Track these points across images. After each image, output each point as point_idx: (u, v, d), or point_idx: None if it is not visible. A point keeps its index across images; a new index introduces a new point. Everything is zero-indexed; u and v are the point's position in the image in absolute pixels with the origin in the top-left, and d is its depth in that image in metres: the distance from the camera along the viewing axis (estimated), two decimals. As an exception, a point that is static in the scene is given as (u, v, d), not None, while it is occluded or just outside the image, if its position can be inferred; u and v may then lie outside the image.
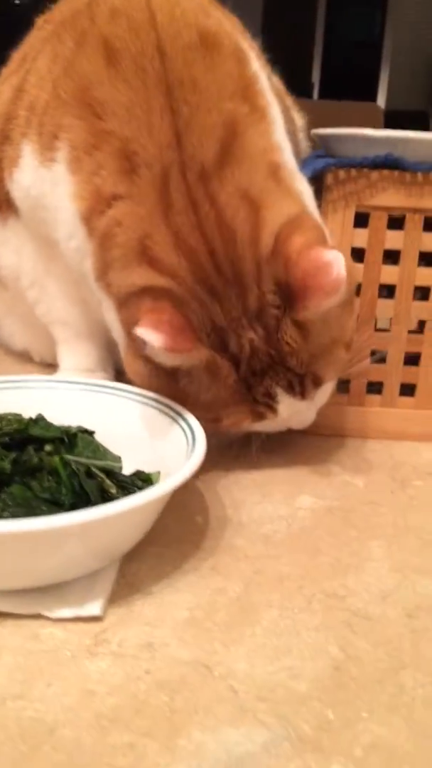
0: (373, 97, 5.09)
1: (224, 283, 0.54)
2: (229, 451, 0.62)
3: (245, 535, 0.52)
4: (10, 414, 0.56)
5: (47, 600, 0.43)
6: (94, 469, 0.49)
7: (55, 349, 0.77)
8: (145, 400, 0.58)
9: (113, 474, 0.50)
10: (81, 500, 0.46)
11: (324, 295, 0.52)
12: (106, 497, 0.48)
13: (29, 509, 0.44)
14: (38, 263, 0.72)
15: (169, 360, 0.53)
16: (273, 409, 0.57)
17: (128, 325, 0.56)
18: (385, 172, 0.62)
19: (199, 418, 0.54)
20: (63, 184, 0.60)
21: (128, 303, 0.56)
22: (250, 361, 0.54)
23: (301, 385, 0.56)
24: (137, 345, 0.54)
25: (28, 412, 0.56)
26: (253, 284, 0.54)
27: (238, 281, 0.54)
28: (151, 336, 0.51)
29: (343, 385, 0.69)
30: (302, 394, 0.57)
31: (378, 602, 0.45)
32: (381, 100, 5.11)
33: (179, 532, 0.51)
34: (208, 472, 0.61)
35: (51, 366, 0.83)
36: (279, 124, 0.61)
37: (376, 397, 0.70)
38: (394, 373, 0.69)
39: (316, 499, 0.58)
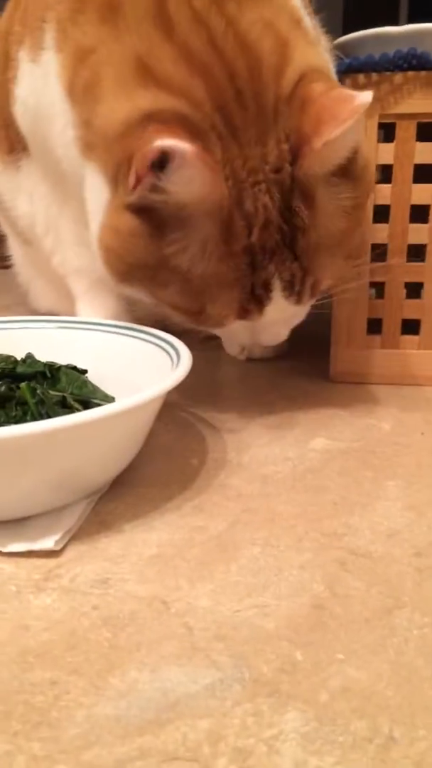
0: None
1: (245, 117, 0.46)
2: (242, 391, 0.57)
3: (242, 476, 0.46)
4: (1, 354, 0.52)
5: (3, 533, 0.38)
6: (70, 400, 0.45)
7: (74, 307, 0.75)
8: (132, 333, 0.53)
9: (86, 402, 0.46)
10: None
11: (339, 122, 0.44)
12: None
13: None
14: (51, 206, 0.69)
15: (184, 187, 0.44)
16: (261, 307, 0.49)
17: (117, 165, 0.47)
18: (410, 73, 0.55)
19: (177, 309, 0.48)
20: (51, 67, 0.54)
21: (124, 138, 0.46)
22: (262, 232, 0.46)
23: (301, 284, 0.49)
24: (126, 189, 0.46)
25: (21, 353, 0.53)
26: (273, 125, 0.46)
27: (260, 117, 0.46)
28: (177, 144, 0.41)
29: (375, 325, 0.62)
30: (299, 297, 0.50)
31: (383, 540, 0.39)
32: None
33: (168, 474, 0.46)
34: (215, 414, 0.56)
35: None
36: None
37: (411, 338, 0.62)
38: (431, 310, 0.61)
39: (332, 441, 0.51)
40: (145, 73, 0.46)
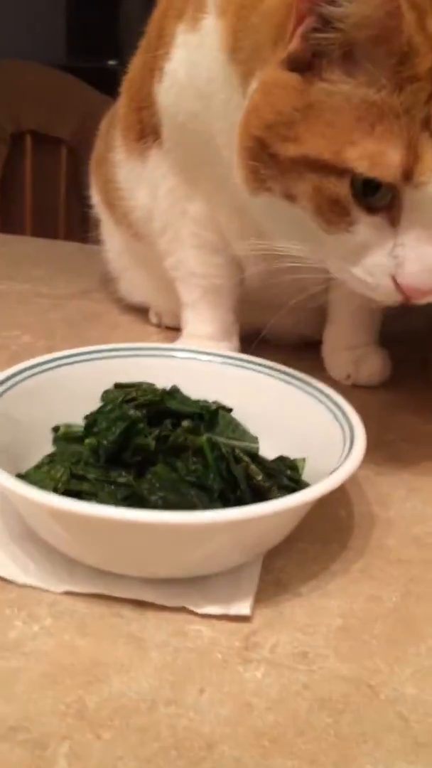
0: None
1: None
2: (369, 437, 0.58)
3: (395, 536, 0.48)
4: (144, 383, 0.53)
5: (192, 593, 0.40)
6: (238, 452, 0.46)
7: (180, 312, 0.74)
8: (285, 377, 0.54)
9: (257, 458, 0.46)
10: (228, 485, 0.43)
11: None
12: (251, 484, 0.44)
13: (178, 494, 0.41)
14: (176, 203, 0.68)
15: (358, 8, 0.41)
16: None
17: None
18: None
19: (309, 156, 0.44)
20: (212, 34, 0.53)
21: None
22: None
23: None
24: (284, 43, 0.45)
25: (161, 382, 0.53)
26: None
27: None
28: None
29: None
30: None
31: None
32: None
33: (323, 528, 0.47)
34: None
35: (168, 329, 0.80)
36: None
37: None
38: None
39: (470, 499, 0.53)
40: None
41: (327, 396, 0.50)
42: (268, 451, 0.50)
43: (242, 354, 0.58)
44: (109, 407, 0.46)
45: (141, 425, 0.44)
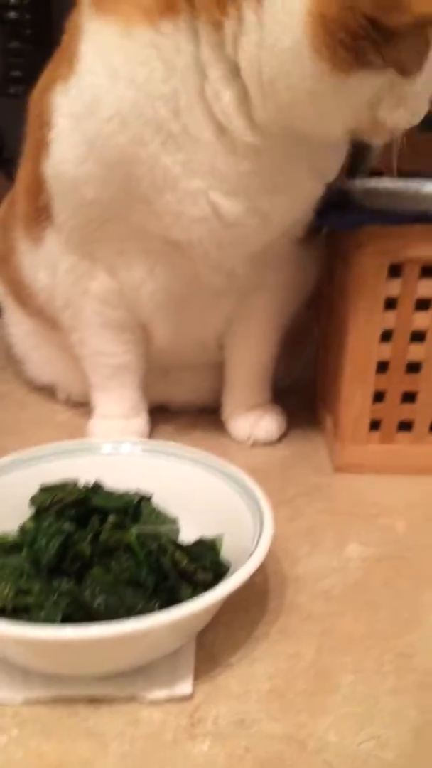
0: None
1: None
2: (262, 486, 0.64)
3: (305, 592, 0.55)
4: (68, 483, 0.57)
5: (139, 681, 0.45)
6: (164, 542, 0.51)
7: (89, 392, 0.79)
8: (197, 461, 0.60)
9: (180, 545, 0.52)
10: (159, 577, 0.49)
11: None
12: (178, 569, 0.50)
13: (116, 596, 0.46)
14: (77, 283, 0.71)
15: None
16: None
17: None
18: (418, 226, 0.64)
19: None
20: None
21: None
22: None
23: None
24: None
25: (87, 477, 0.58)
26: None
27: None
28: None
29: (375, 425, 0.72)
30: None
31: (443, 659, 0.49)
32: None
33: (243, 596, 0.53)
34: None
35: (76, 405, 0.85)
36: None
37: (405, 434, 0.73)
38: (423, 412, 0.72)
39: (363, 546, 0.61)
40: None
41: (233, 476, 0.57)
42: (188, 529, 0.56)
43: (159, 441, 0.63)
44: (46, 523, 0.50)
45: (76, 536, 0.49)
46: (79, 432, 0.78)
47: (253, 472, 0.71)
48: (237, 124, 0.57)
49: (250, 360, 0.79)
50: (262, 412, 0.79)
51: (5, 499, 0.55)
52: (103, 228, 0.66)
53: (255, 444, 0.78)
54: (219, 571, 0.51)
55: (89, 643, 0.41)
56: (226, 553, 0.53)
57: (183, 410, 0.83)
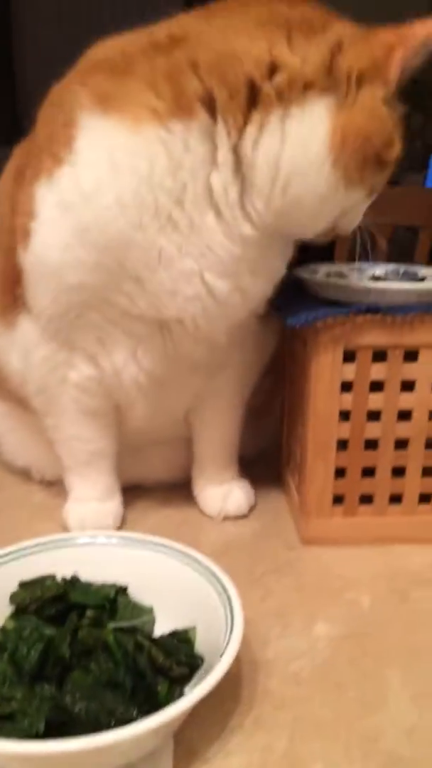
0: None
1: None
2: (233, 563, 0.67)
3: (277, 676, 0.58)
4: (46, 579, 0.60)
5: (121, 783, 0.47)
6: (139, 639, 0.54)
7: (63, 475, 0.81)
8: (170, 552, 0.62)
9: (156, 641, 0.55)
10: (137, 676, 0.51)
11: None
12: (154, 666, 0.53)
13: (96, 701, 0.48)
14: (54, 371, 0.72)
15: None
16: None
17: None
18: (369, 316, 0.69)
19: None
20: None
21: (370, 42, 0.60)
22: None
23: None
24: (381, 82, 0.60)
25: (64, 571, 0.61)
26: None
27: None
28: None
29: (338, 499, 0.76)
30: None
31: (405, 742, 0.52)
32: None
33: (217, 686, 0.56)
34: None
35: (51, 484, 0.87)
36: None
37: (367, 507, 0.76)
38: (382, 486, 0.76)
39: (330, 625, 0.64)
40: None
41: (205, 567, 0.60)
42: (163, 620, 0.59)
43: (135, 533, 0.65)
44: (26, 629, 0.53)
45: (56, 641, 0.52)
46: (55, 513, 0.80)
47: (225, 548, 0.75)
48: (236, 215, 0.62)
49: (218, 436, 0.82)
50: (232, 487, 0.82)
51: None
52: (85, 315, 0.67)
53: (226, 518, 0.81)
54: (193, 665, 0.54)
55: (73, 754, 0.43)
56: (201, 643, 0.56)
57: (157, 485, 0.85)
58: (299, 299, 0.73)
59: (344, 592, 0.69)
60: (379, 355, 0.71)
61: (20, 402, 0.80)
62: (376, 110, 0.60)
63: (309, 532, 0.76)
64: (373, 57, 0.59)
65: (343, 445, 0.74)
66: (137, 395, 0.73)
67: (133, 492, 0.84)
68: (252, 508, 0.83)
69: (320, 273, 0.77)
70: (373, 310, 0.68)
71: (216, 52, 0.58)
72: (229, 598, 0.56)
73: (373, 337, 0.70)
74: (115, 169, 0.59)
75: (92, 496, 0.78)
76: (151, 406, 0.75)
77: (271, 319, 0.76)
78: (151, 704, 0.50)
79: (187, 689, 0.53)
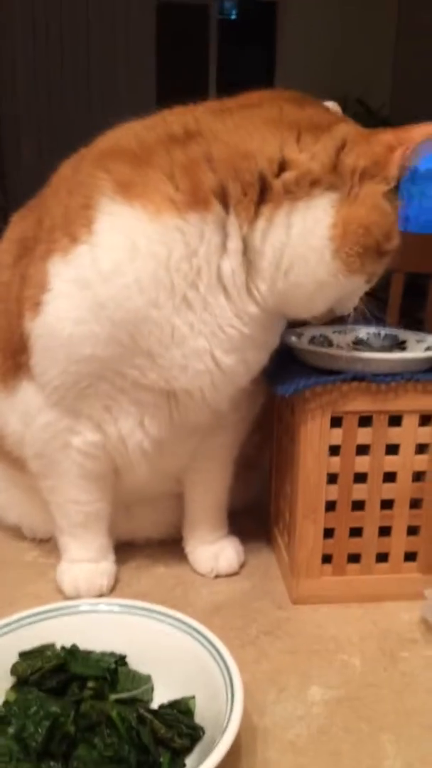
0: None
1: None
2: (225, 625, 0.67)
3: (275, 745, 0.59)
4: (46, 648, 0.61)
5: None
6: (142, 712, 0.55)
7: (56, 536, 0.82)
8: (169, 620, 0.64)
9: (158, 713, 0.56)
10: (140, 750, 0.52)
11: None
12: (156, 738, 0.54)
13: (104, 778, 0.49)
14: (56, 438, 0.72)
15: None
16: None
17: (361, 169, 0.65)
18: (354, 383, 0.72)
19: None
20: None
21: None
22: None
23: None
24: (382, 178, 0.65)
25: (64, 639, 0.62)
26: None
27: None
28: None
29: (326, 558, 0.78)
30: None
31: (402, 810, 0.53)
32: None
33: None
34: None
35: (43, 542, 0.88)
36: None
37: (355, 566, 0.79)
38: (370, 545, 0.78)
39: (324, 689, 0.65)
40: None
41: (204, 636, 0.61)
42: (161, 688, 0.60)
43: (135, 601, 0.66)
44: (33, 708, 0.54)
45: (62, 719, 0.53)
46: (48, 572, 0.81)
47: (217, 608, 0.76)
48: (243, 296, 0.66)
49: (210, 495, 0.84)
50: (221, 547, 0.84)
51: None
52: (94, 385, 0.69)
53: (218, 576, 0.83)
54: (194, 736, 0.55)
55: None
56: (200, 712, 0.57)
57: (149, 541, 0.87)
58: (287, 365, 0.75)
59: (336, 654, 0.70)
60: (365, 420, 0.74)
61: (14, 462, 0.81)
62: (376, 205, 0.65)
63: (299, 592, 0.78)
64: (375, 156, 0.64)
65: (331, 506, 0.76)
66: (140, 459, 0.75)
67: (124, 550, 0.85)
68: (242, 564, 0.85)
69: (305, 336, 0.80)
70: (359, 377, 0.71)
71: (231, 150, 0.63)
72: (228, 669, 0.57)
73: (359, 403, 0.73)
74: (135, 252, 0.63)
75: (86, 557, 0.79)
76: (151, 468, 0.76)
77: (260, 378, 0.79)
78: (155, 779, 0.51)
79: (188, 761, 0.54)
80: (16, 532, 0.90)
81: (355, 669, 0.69)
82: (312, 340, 0.80)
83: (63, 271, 0.65)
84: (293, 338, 0.78)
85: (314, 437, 0.74)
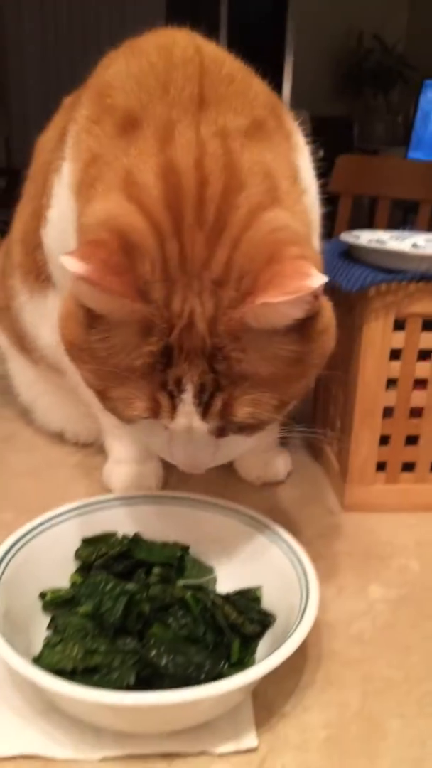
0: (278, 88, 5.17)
1: (198, 220, 0.50)
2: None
3: (340, 638, 0.58)
4: (109, 536, 0.60)
5: (206, 736, 0.47)
6: (213, 596, 0.54)
7: (101, 436, 0.81)
8: (224, 510, 0.63)
9: (228, 598, 0.55)
10: (215, 632, 0.51)
11: (283, 293, 0.46)
12: (229, 623, 0.53)
13: (182, 654, 0.48)
14: None
15: (97, 302, 0.48)
16: (172, 406, 0.50)
17: None
18: (421, 284, 0.69)
19: (92, 386, 0.53)
20: (66, 176, 0.62)
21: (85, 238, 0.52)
22: (183, 333, 0.48)
23: (211, 397, 0.50)
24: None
25: (121, 529, 0.61)
26: (230, 242, 0.49)
27: (217, 226, 0.50)
28: (74, 264, 0.45)
29: (380, 466, 0.76)
30: (205, 410, 0.50)
31: None
32: (286, 88, 5.16)
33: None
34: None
35: (85, 446, 0.87)
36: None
37: (409, 474, 0.77)
38: (426, 453, 0.76)
39: (384, 588, 0.65)
40: (124, 183, 0.52)
41: (272, 529, 0.60)
42: (224, 580, 0.59)
43: (197, 494, 0.65)
44: (110, 585, 0.52)
45: (138, 596, 0.52)
46: (94, 473, 0.80)
47: (268, 513, 0.75)
48: None
49: None
50: (271, 456, 0.82)
51: (50, 553, 0.57)
52: None
53: (265, 484, 0.81)
54: (265, 622, 0.54)
55: (169, 707, 0.43)
56: (266, 602, 0.56)
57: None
58: (352, 268, 0.72)
59: (393, 557, 0.70)
60: (429, 324, 0.71)
61: (52, 366, 0.79)
62: None
63: (352, 498, 0.77)
64: None
65: (388, 412, 0.75)
66: None
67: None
68: (288, 474, 0.83)
69: (362, 239, 0.77)
70: (426, 277, 0.68)
71: None
72: (299, 559, 0.56)
73: (424, 305, 0.70)
74: None
75: (133, 457, 0.77)
76: None
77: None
78: (229, 660, 0.51)
79: (258, 647, 0.54)
80: (60, 438, 0.89)
81: (414, 572, 0.68)
82: (369, 243, 0.77)
83: (56, 189, 0.65)
84: (353, 239, 0.75)
85: (376, 339, 0.71)
